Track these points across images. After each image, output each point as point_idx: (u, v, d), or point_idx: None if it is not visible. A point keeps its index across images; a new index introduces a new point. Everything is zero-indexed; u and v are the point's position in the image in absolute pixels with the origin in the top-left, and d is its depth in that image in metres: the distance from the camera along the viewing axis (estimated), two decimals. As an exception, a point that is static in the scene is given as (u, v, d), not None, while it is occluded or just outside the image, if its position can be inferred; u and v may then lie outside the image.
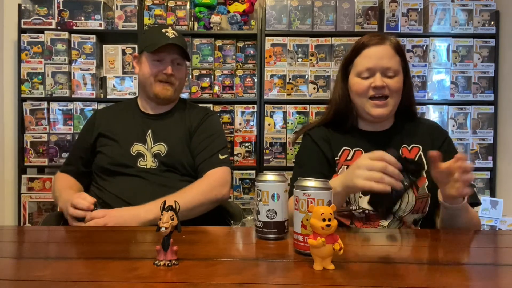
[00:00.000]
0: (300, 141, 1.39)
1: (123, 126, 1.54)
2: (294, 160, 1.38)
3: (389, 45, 1.22)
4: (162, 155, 1.47)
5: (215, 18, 2.64)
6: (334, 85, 1.35)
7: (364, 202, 1.17)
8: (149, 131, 1.51)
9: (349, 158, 1.26)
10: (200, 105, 1.71)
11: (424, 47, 2.63)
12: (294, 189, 0.89)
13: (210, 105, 2.64)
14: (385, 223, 1.19)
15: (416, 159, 1.23)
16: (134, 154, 1.47)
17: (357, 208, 1.20)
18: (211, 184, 1.43)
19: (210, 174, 1.45)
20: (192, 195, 1.38)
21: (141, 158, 1.47)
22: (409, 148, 1.26)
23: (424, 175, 1.20)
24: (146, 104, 1.59)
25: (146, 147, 1.49)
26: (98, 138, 1.52)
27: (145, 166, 1.46)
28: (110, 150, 1.49)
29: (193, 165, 1.50)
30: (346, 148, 1.27)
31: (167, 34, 1.49)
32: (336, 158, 1.27)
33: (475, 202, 1.21)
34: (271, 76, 2.63)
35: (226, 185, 1.47)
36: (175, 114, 1.58)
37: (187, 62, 1.64)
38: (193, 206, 1.36)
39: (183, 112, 1.58)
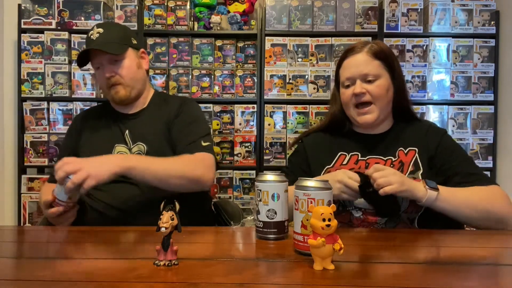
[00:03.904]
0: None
1: (102, 129, 1.50)
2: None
3: (366, 52, 1.26)
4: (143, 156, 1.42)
5: (215, 18, 2.64)
6: (331, 95, 1.40)
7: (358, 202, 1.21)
8: (127, 131, 1.47)
9: (344, 162, 1.30)
10: (178, 95, 1.62)
11: (424, 47, 2.63)
12: (294, 189, 0.90)
13: (210, 105, 2.64)
14: (381, 220, 1.20)
15: (413, 161, 1.24)
16: None
17: (353, 208, 1.21)
18: (197, 163, 1.36)
19: (197, 155, 1.38)
20: (176, 164, 1.31)
21: None
22: (405, 151, 1.27)
23: (420, 177, 1.21)
24: (117, 106, 1.54)
25: (127, 147, 1.45)
26: (81, 148, 1.48)
27: None
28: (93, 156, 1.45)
29: None
30: (343, 153, 1.30)
31: (91, 37, 1.44)
32: (327, 167, 1.30)
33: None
34: (271, 76, 2.63)
35: (211, 169, 1.39)
36: (151, 110, 1.53)
37: (137, 50, 1.53)
38: (173, 174, 1.28)
39: (159, 107, 1.53)
